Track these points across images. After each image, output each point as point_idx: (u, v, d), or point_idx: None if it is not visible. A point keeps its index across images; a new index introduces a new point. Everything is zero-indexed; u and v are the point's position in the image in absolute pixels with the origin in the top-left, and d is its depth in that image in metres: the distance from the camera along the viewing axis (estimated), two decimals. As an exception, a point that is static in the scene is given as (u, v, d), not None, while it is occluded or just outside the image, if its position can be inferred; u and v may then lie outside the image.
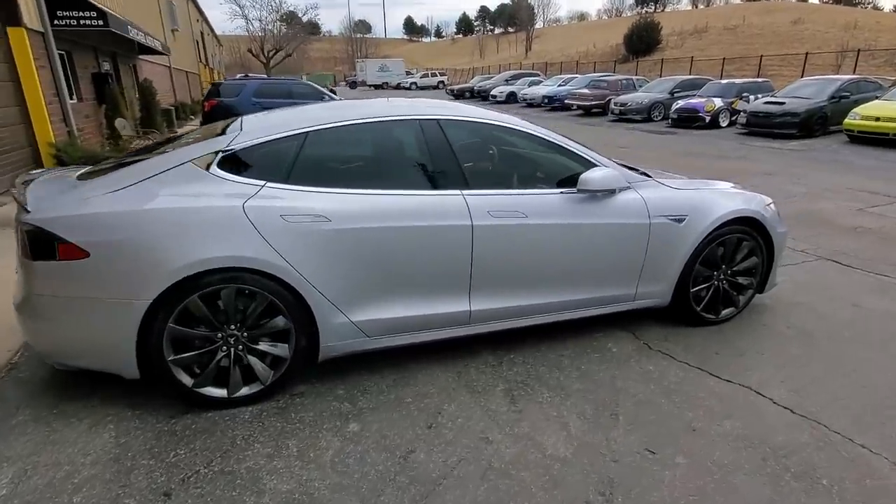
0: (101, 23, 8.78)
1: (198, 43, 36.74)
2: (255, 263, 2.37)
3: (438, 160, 2.75)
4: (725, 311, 3.43)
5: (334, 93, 13.97)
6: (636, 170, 3.47)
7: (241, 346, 2.50)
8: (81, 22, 8.68)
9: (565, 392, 2.69)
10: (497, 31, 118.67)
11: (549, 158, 3.04)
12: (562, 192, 2.91)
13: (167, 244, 2.28)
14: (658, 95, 18.25)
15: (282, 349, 2.55)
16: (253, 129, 2.62)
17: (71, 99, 9.72)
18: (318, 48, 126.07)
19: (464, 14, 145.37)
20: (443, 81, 49.25)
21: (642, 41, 39.13)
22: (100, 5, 9.87)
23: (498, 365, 2.95)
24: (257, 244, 2.38)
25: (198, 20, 39.08)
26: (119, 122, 9.95)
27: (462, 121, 2.86)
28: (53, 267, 2.25)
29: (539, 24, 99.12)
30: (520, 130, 2.94)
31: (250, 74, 37.68)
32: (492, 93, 29.83)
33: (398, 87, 52.76)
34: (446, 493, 2.03)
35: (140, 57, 15.62)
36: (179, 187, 2.39)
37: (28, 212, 2.29)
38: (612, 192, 2.94)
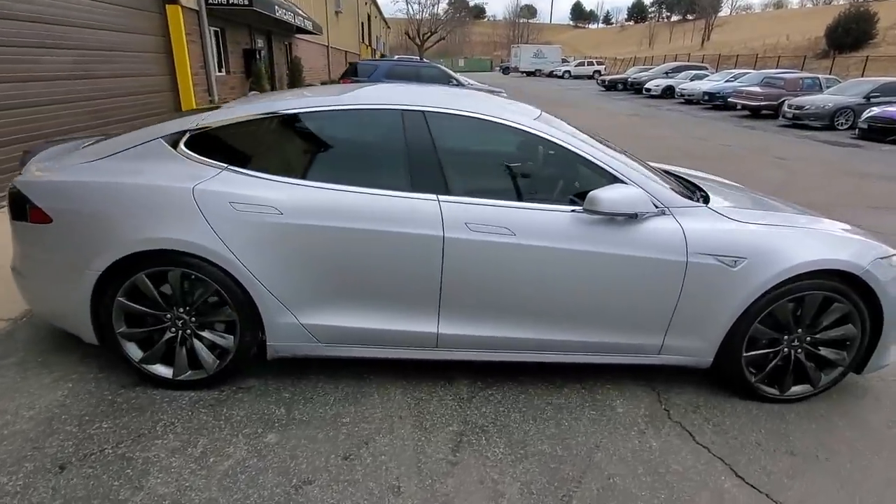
0: (246, 2, 9.58)
1: (363, 24, 39.26)
2: (198, 250, 2.28)
3: (416, 157, 2.39)
4: (796, 389, 2.61)
5: (458, 83, 13.78)
6: (697, 189, 2.77)
7: (188, 331, 2.44)
8: (230, 1, 9.55)
9: (524, 452, 2.22)
10: (674, 18, 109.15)
11: (561, 167, 2.50)
12: (571, 211, 2.38)
13: (118, 219, 2.27)
14: (848, 99, 15.11)
15: (227, 340, 2.45)
16: (232, 109, 2.51)
17: (220, 71, 10.86)
18: (479, 32, 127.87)
19: (639, 0, 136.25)
20: (599, 71, 46.72)
21: (849, 34, 32.86)
22: (254, -14, 10.81)
23: (467, 400, 2.55)
24: (203, 230, 2.27)
25: (366, 3, 41.75)
26: (252, 94, 10.89)
27: (454, 115, 2.45)
28: (26, 228, 2.37)
29: (724, 12, 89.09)
30: (525, 131, 2.44)
31: (401, 56, 39.37)
32: (646, 86, 27.48)
33: (551, 74, 51.29)
34: (314, 544, 1.76)
35: (297, 36, 16.97)
36: (144, 163, 2.37)
37: (20, 174, 2.44)
38: (632, 216, 2.33)
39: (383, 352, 2.52)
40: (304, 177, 2.36)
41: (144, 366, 2.47)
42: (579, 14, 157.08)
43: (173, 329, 2.44)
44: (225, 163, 2.37)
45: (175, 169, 2.34)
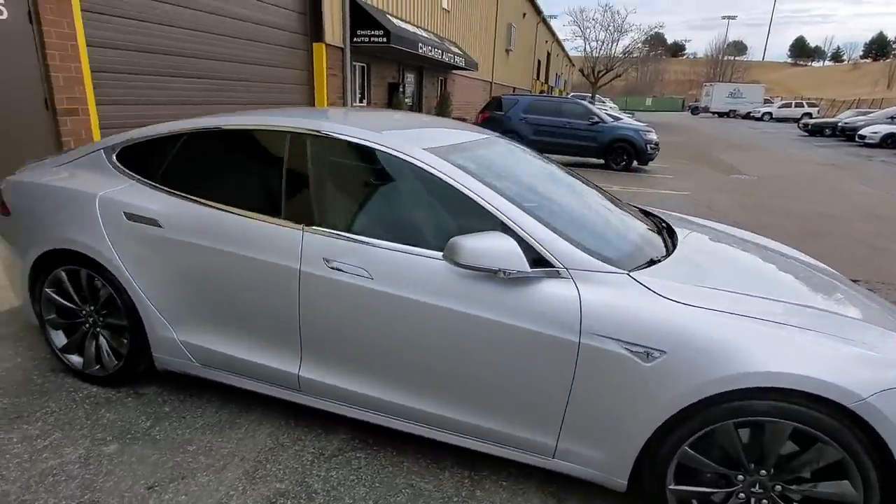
0: (384, 40, 10.36)
1: (539, 62, 39.85)
2: (96, 255, 2.41)
3: (291, 183, 2.22)
4: None
5: (598, 120, 13.10)
6: (663, 248, 2.13)
7: (96, 328, 2.59)
8: (372, 39, 10.42)
9: (327, 535, 1.86)
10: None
11: (449, 206, 2.07)
12: (441, 259, 1.97)
13: (44, 218, 2.52)
14: None
15: (122, 344, 2.54)
16: (156, 127, 2.62)
17: (360, 102, 11.86)
18: (675, 70, 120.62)
19: (880, 34, 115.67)
20: (809, 114, 40.33)
21: None
22: (401, 23, 11.67)
23: (327, 457, 2.24)
24: (100, 236, 2.40)
25: (547, 41, 42.38)
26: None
27: (342, 140, 2.21)
28: (1, 218, 2.75)
29: None
30: (414, 165, 2.10)
31: (576, 93, 38.82)
32: (860, 132, 22.93)
33: (747, 116, 45.93)
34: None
35: (454, 72, 17.84)
36: (83, 170, 2.60)
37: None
38: (494, 272, 1.83)
39: (252, 384, 2.37)
40: (189, 193, 2.36)
41: (63, 354, 2.67)
42: (800, 50, 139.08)
43: (86, 325, 2.61)
44: (137, 175, 2.49)
45: (99, 178, 2.53)
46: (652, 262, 2.04)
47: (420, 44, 11.96)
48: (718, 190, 10.19)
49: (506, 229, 1.93)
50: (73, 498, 1.95)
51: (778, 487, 1.74)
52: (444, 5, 16.44)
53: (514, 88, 29.94)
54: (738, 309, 1.77)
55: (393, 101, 12.64)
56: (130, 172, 2.50)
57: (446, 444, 2.27)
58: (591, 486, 2.14)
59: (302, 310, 2.14)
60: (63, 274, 2.54)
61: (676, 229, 2.62)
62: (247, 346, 2.30)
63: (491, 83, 24.16)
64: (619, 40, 35.27)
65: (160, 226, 2.32)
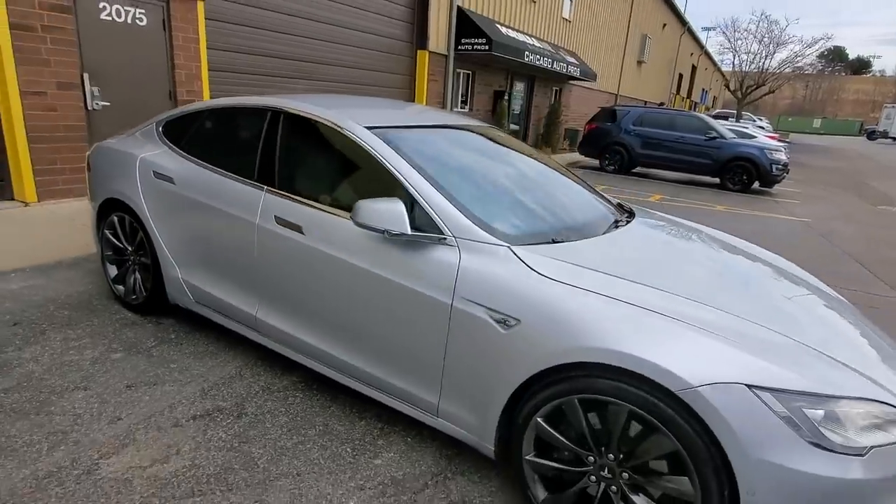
0: (486, 48, 10.68)
1: (681, 75, 37.42)
2: (132, 204, 3.02)
3: (264, 152, 2.60)
4: None
5: (717, 135, 12.06)
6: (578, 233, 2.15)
7: (134, 265, 3.22)
8: (475, 47, 10.80)
9: (235, 447, 2.18)
10: None
11: (374, 178, 2.27)
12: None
13: (106, 173, 3.21)
14: None
15: (148, 279, 3.12)
16: (192, 105, 3.17)
17: (463, 108, 12.30)
18: (856, 89, 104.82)
19: None
20: None
21: None
22: (510, 31, 11.93)
23: (273, 390, 2.58)
24: (135, 190, 3.01)
25: (692, 53, 39.65)
26: None
27: (303, 118, 2.53)
28: (88, 175, 3.53)
29: None
30: (351, 138, 2.34)
31: (721, 110, 35.68)
32: None
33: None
34: None
35: (571, 83, 17.61)
36: (139, 138, 3.25)
37: (105, 141, 3.65)
38: (381, 232, 2.00)
39: (228, 322, 2.79)
40: (197, 157, 2.86)
41: (113, 284, 3.35)
42: None
43: (128, 262, 3.25)
44: (170, 142, 3.06)
45: (145, 144, 3.15)
46: (553, 241, 2.09)
47: (527, 52, 12.10)
48: (850, 220, 8.96)
49: (411, 199, 2.12)
50: (73, 382, 2.51)
51: (625, 475, 1.70)
52: (566, 15, 16.36)
53: (646, 102, 28.55)
54: (604, 290, 1.77)
55: (497, 108, 12.91)
56: (166, 140, 3.08)
57: (374, 400, 2.47)
58: (482, 455, 2.21)
59: (257, 258, 2.51)
60: (115, 219, 3.21)
61: (632, 222, 2.58)
62: (224, 287, 2.73)
63: (616, 95, 23.35)
64: (774, 53, 31.76)
65: (174, 183, 2.86)
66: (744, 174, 12.16)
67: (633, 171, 13.83)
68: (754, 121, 30.22)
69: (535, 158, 2.98)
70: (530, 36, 13.72)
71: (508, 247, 1.96)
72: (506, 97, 13.34)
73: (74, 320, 3.11)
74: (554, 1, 15.28)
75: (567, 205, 2.55)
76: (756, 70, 31.11)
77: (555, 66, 13.64)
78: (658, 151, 12.79)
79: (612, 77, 22.59)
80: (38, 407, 2.32)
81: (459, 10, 10.76)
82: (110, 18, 5.33)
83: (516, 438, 1.88)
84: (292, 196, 2.43)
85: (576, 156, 15.26)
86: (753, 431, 1.47)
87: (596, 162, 13.91)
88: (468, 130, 2.87)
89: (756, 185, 12.54)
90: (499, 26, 12.02)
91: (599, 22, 19.48)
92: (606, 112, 13.70)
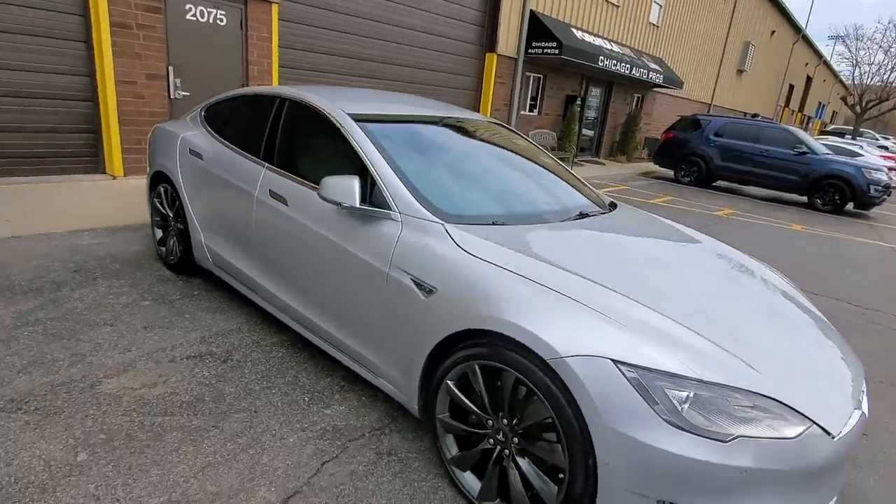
0: (556, 52, 10.65)
1: (792, 87, 34.53)
2: (172, 176, 3.51)
3: (269, 133, 2.94)
4: None
5: (808, 150, 11.16)
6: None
7: (173, 230, 3.71)
8: (545, 51, 10.81)
9: (219, 411, 2.53)
10: None
11: (347, 158, 2.50)
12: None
13: (157, 149, 3.74)
14: None
15: (181, 242, 3.60)
16: (232, 91, 3.60)
17: (531, 111, 12.32)
18: None
19: None
20: None
21: None
22: (585, 36, 11.79)
23: (268, 345, 2.92)
24: (174, 164, 3.49)
25: (807, 63, 36.44)
26: (541, 135, 11.84)
27: (302, 104, 2.83)
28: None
29: None
30: (333, 122, 2.60)
31: (837, 126, 32.34)
32: None
33: None
34: None
35: (655, 90, 16.95)
36: (186, 121, 3.75)
37: (167, 123, 4.22)
38: (336, 205, 2.23)
39: (235, 283, 3.17)
40: (222, 137, 3.27)
41: (158, 245, 3.88)
42: None
43: (169, 227, 3.75)
44: (207, 124, 3.51)
45: (189, 125, 3.64)
46: (493, 224, 2.23)
47: (601, 57, 11.89)
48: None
49: (372, 179, 2.34)
50: (104, 319, 3.00)
51: (516, 440, 1.82)
52: (653, 20, 15.81)
53: (745, 114, 26.73)
54: (515, 268, 1.90)
55: (567, 113, 12.79)
56: (204, 122, 3.54)
57: (343, 363, 2.72)
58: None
59: (254, 227, 2.86)
60: (161, 189, 3.73)
61: (599, 216, 2.66)
62: (233, 252, 3.11)
63: (710, 105, 22.10)
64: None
65: (202, 159, 3.29)
66: (836, 194, 11.15)
67: (714, 185, 13.12)
68: (876, 139, 27.24)
69: (519, 153, 3.10)
70: (610, 41, 13.44)
71: (443, 224, 2.13)
72: (578, 102, 13.16)
73: (122, 273, 3.66)
74: (640, 5, 14.84)
75: (529, 195, 2.66)
76: (879, 83, 27.99)
77: (633, 72, 13.26)
78: (739, 165, 12.05)
79: (705, 86, 21.43)
80: (70, 334, 2.81)
81: (532, 13, 10.83)
82: (195, 18, 6.06)
83: (432, 399, 2.05)
84: (284, 172, 2.75)
85: (651, 166, 14.72)
86: (613, 404, 1.55)
87: (670, 173, 13.35)
88: (457, 123, 3.05)
89: (850, 206, 11.46)
90: (574, 30, 11.92)
91: (693, 28, 18.57)
92: (687, 121, 13.10)
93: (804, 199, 11.78)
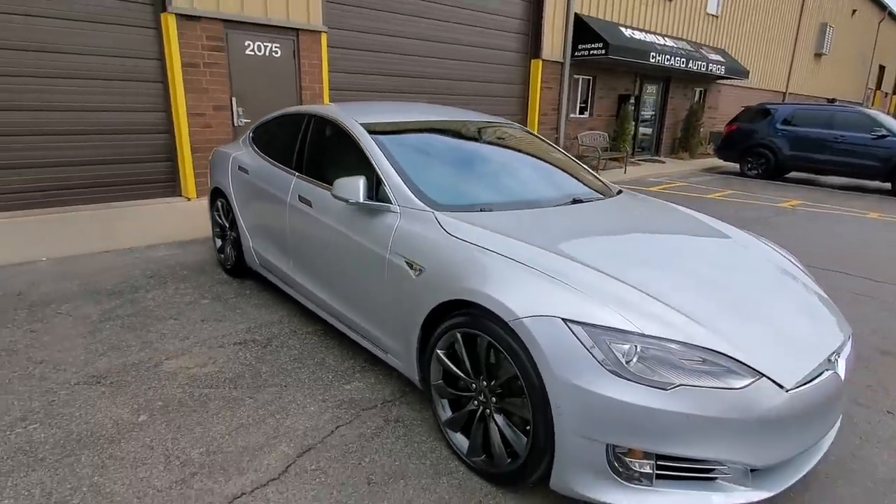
0: (603, 52, 10.61)
1: (882, 68, 31.61)
2: (226, 191, 4.02)
3: (299, 147, 3.34)
4: (509, 463, 2.06)
5: (888, 132, 10.28)
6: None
7: (229, 239, 4.21)
8: (591, 52, 10.80)
9: (257, 386, 2.92)
10: None
11: (360, 162, 2.80)
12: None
13: (215, 168, 4.28)
14: None
15: (235, 248, 4.08)
16: (270, 114, 4.06)
17: (581, 114, 12.29)
18: None
19: None
20: None
21: None
22: (635, 33, 11.66)
23: (304, 333, 3.30)
24: (227, 180, 4.00)
25: (902, 39, 33.17)
26: (591, 136, 11.73)
27: (324, 118, 3.20)
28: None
29: None
30: (348, 131, 2.93)
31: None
32: None
33: None
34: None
35: (719, 81, 16.27)
36: (238, 144, 4.26)
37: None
38: (345, 201, 2.56)
39: (276, 280, 3.58)
40: (265, 153, 3.72)
41: (218, 253, 4.40)
42: None
43: (226, 236, 4.25)
44: (253, 143, 3.99)
45: (240, 146, 4.14)
46: (481, 210, 2.46)
47: (653, 53, 11.68)
48: None
49: (376, 176, 2.65)
50: (169, 314, 3.50)
51: (494, 399, 2.03)
52: (711, 10, 15.26)
53: (829, 100, 24.84)
54: (493, 247, 2.11)
55: (620, 112, 12.62)
56: (251, 142, 4.03)
57: (366, 349, 3.02)
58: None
59: (288, 228, 3.25)
60: (218, 203, 4.26)
61: (596, 201, 2.82)
62: (273, 252, 3.53)
63: (784, 93, 20.81)
64: None
65: (248, 173, 3.76)
66: (925, 178, 10.20)
67: (785, 176, 12.39)
68: None
69: (524, 150, 3.29)
70: (663, 36, 13.15)
71: (433, 212, 2.39)
72: (631, 101, 12.95)
73: (188, 277, 4.21)
74: (696, -3, 14.40)
75: (524, 185, 2.86)
76: None
77: (691, 65, 12.88)
78: (811, 153, 11.32)
79: (779, 73, 20.23)
80: (142, 326, 3.32)
81: (577, 16, 10.89)
82: (252, 53, 6.75)
83: (427, 368, 2.29)
84: (310, 178, 3.13)
85: (717, 161, 14.14)
86: (563, 357, 1.72)
87: (736, 167, 12.76)
88: (465, 126, 3.30)
89: (942, 190, 10.43)
90: (623, 29, 11.81)
91: (758, 14, 17.67)
92: (752, 111, 12.51)
93: (888, 185, 10.87)
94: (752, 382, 1.70)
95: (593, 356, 1.69)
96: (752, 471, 1.78)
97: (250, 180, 3.72)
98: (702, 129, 15.08)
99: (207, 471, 2.10)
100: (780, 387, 1.72)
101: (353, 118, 3.03)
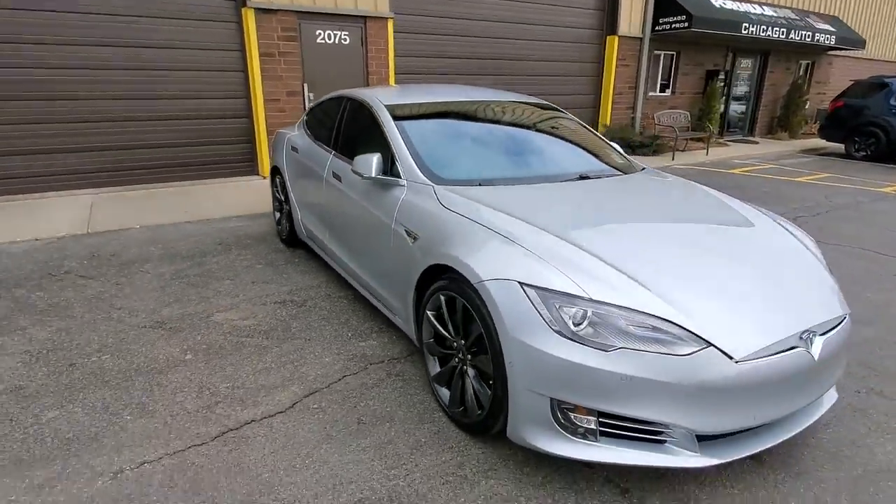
0: (686, 25, 9.99)
1: None
2: (281, 167, 4.45)
3: (336, 127, 3.64)
4: (478, 414, 2.26)
5: None
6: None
7: (283, 212, 4.64)
8: (673, 26, 10.20)
9: (289, 328, 3.30)
10: None
11: (381, 140, 3.03)
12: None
13: (274, 149, 4.73)
14: None
15: (288, 220, 4.51)
16: (323, 97, 4.41)
17: (664, 91, 11.68)
18: None
19: None
20: None
21: None
22: (728, 3, 10.85)
23: (338, 296, 3.65)
24: (282, 159, 4.42)
25: None
26: (670, 115, 11.07)
27: (356, 100, 3.46)
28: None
29: None
30: (374, 112, 3.17)
31: None
32: None
33: None
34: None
35: (830, 53, 14.64)
36: (294, 127, 4.67)
37: (288, 128, 5.26)
38: (361, 176, 2.80)
39: (317, 250, 3.95)
40: (311, 133, 4.07)
41: (276, 225, 4.88)
42: None
43: (282, 210, 4.69)
44: (305, 125, 4.37)
45: (296, 128, 4.54)
46: (480, 185, 2.61)
47: (746, 24, 10.80)
48: None
49: (392, 155, 2.88)
50: (227, 276, 3.99)
51: (469, 356, 2.20)
52: (824, -26, 13.71)
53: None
54: (478, 218, 2.27)
55: (707, 89, 11.84)
56: (304, 125, 4.41)
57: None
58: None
59: (324, 201, 3.58)
60: (276, 180, 4.71)
61: (607, 178, 2.88)
62: (315, 224, 3.89)
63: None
64: None
65: (298, 152, 4.15)
66: None
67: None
68: None
69: (544, 129, 3.35)
70: (760, 4, 12.07)
71: (433, 186, 2.58)
72: (721, 76, 12.08)
73: (250, 246, 4.72)
74: (804, -41, 13.01)
75: (532, 162, 2.94)
76: None
77: (793, 35, 11.74)
78: (932, 130, 9.97)
79: (909, 41, 17.75)
80: (203, 284, 3.83)
81: (657, -12, 10.33)
82: (323, 41, 7.20)
83: (420, 328, 2.51)
84: (341, 155, 3.43)
85: (821, 142, 12.85)
86: (516, 317, 1.86)
87: (841, 147, 11.53)
88: (489, 105, 3.42)
89: None
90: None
91: (885, -26, 15.59)
92: (863, 85, 11.23)
93: None
94: (699, 350, 1.74)
95: (542, 317, 1.82)
96: (700, 438, 1.83)
97: (299, 158, 4.11)
98: (807, 106, 13.71)
99: (229, 401, 2.48)
100: (729, 357, 1.74)
101: (380, 100, 3.27)
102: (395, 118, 3.06)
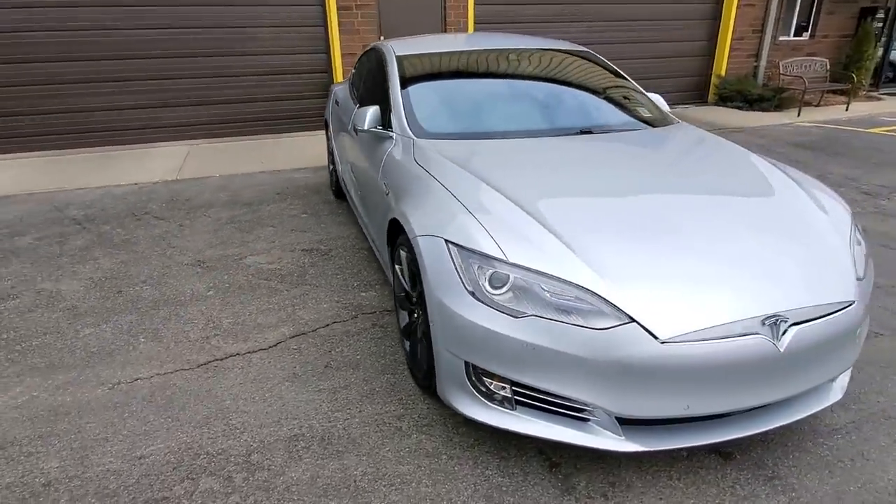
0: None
1: None
2: (328, 121, 4.60)
3: (364, 79, 3.66)
4: (425, 370, 2.28)
5: None
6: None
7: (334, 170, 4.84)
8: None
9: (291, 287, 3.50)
10: None
11: (385, 91, 3.01)
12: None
13: (328, 104, 4.89)
14: None
15: (333, 174, 4.69)
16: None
17: (801, 35, 10.02)
18: None
19: None
20: None
21: None
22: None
23: (362, 248, 3.79)
24: (329, 112, 4.56)
25: None
26: (801, 63, 9.42)
27: (377, 50, 3.43)
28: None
29: None
30: (387, 60, 3.14)
31: None
32: None
33: None
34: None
35: None
36: (344, 81, 4.77)
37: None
38: (357, 129, 2.81)
39: (349, 200, 4.08)
40: (350, 88, 4.14)
41: (330, 177, 5.10)
42: None
43: (331, 167, 4.89)
44: (349, 80, 4.44)
45: (343, 83, 4.64)
46: (461, 138, 2.52)
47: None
48: None
49: (391, 108, 2.85)
50: (271, 223, 4.30)
51: (421, 311, 2.20)
52: None
53: None
54: (435, 173, 2.23)
55: (858, 32, 9.94)
56: (349, 79, 4.49)
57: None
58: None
59: (349, 156, 3.68)
60: (327, 133, 4.89)
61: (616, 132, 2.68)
62: (346, 177, 4.01)
63: None
64: None
65: (338, 105, 4.26)
66: None
67: None
68: None
69: (557, 78, 3.09)
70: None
71: (413, 139, 2.53)
72: (879, 16, 10.04)
73: (304, 196, 5.01)
74: None
75: (530, 114, 2.75)
76: None
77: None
78: None
79: None
80: (249, 229, 4.17)
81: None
82: (401, -8, 7.16)
83: (393, 275, 2.53)
84: (356, 106, 3.47)
85: None
86: (439, 276, 1.82)
87: None
88: (510, 54, 3.22)
89: None
90: (873, -82, 9.05)
91: None
92: None
93: None
94: (619, 325, 1.57)
95: (460, 277, 1.75)
96: (626, 422, 1.68)
97: (337, 112, 4.22)
98: None
99: (225, 335, 2.74)
100: (654, 336, 1.55)
101: (394, 50, 3.23)
102: (401, 69, 3.01)
